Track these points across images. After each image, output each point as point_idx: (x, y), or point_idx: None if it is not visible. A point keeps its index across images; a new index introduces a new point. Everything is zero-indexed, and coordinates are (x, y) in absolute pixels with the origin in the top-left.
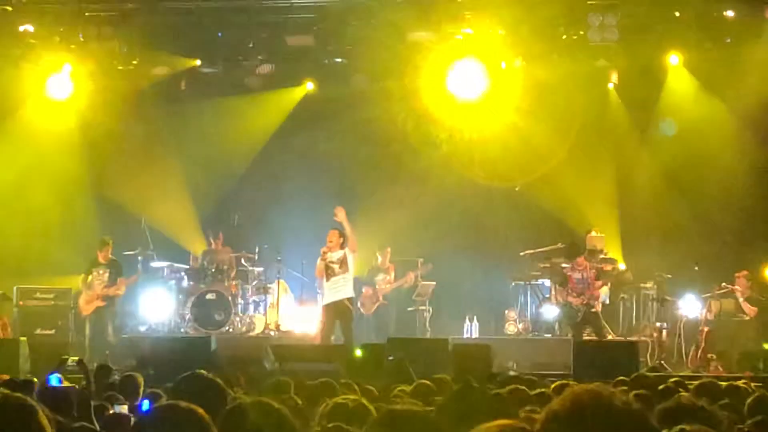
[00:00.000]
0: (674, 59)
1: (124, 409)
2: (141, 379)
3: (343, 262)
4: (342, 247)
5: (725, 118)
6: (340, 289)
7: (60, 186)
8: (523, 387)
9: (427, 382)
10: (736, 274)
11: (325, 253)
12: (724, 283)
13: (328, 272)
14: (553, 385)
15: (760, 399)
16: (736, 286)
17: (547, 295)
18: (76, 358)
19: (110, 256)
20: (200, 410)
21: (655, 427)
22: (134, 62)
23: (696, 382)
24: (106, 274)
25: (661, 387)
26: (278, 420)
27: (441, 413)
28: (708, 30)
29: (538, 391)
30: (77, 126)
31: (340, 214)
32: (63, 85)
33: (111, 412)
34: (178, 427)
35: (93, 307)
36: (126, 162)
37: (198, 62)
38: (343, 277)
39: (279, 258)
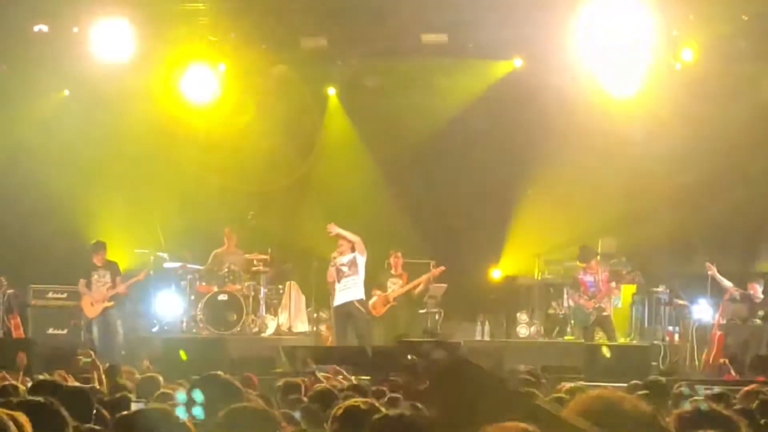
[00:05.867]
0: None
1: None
2: (161, 380)
3: (352, 264)
4: (351, 250)
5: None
6: (350, 289)
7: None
8: (536, 390)
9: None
10: (749, 283)
11: (335, 258)
12: (737, 288)
13: (339, 275)
14: (566, 388)
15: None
16: (749, 291)
17: (559, 298)
18: (89, 358)
19: (105, 258)
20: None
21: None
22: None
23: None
24: (107, 276)
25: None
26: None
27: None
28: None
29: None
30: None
31: (334, 230)
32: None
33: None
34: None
35: (100, 308)
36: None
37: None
38: (353, 278)
39: (291, 261)
